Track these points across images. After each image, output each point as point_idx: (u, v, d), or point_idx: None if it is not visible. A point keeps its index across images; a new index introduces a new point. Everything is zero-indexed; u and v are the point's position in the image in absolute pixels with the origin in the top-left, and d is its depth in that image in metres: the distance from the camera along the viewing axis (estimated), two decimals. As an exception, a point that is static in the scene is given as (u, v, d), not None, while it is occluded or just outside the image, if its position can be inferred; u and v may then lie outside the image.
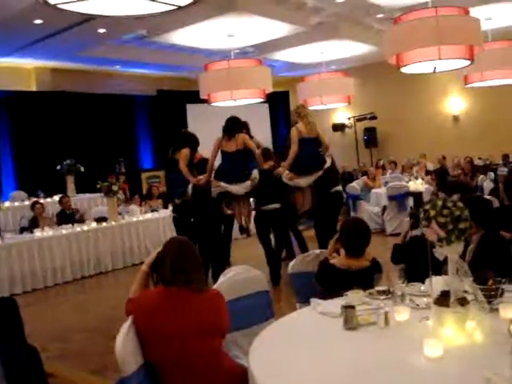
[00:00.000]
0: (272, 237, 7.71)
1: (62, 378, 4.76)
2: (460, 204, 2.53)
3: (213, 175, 7.58)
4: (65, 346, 5.72)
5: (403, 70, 6.46)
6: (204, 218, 7.59)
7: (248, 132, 7.85)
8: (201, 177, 7.60)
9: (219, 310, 2.83)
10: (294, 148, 7.34)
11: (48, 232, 8.89)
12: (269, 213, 7.41)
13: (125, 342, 2.54)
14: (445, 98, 15.89)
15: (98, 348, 5.52)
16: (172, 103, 15.63)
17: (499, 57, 8.52)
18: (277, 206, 7.43)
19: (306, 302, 3.44)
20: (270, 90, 8.46)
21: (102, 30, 10.65)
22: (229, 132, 7.38)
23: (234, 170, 7.38)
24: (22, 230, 9.52)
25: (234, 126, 7.46)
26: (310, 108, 11.29)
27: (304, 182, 7.42)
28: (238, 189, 7.42)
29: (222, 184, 7.39)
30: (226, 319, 2.86)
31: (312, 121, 7.48)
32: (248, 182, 7.42)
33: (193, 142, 7.94)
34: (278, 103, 17.60)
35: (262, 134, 16.79)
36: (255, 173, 7.50)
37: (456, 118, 15.79)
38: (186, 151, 7.65)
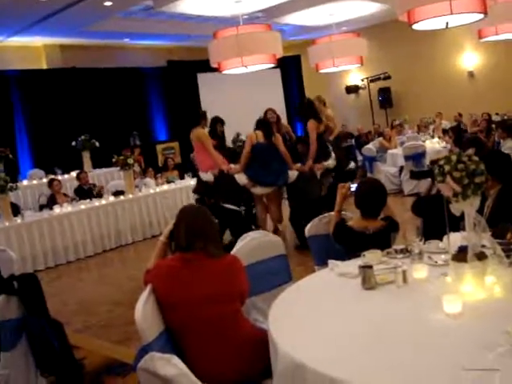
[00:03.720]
0: None
1: (87, 349, 4.85)
2: (475, 158, 2.49)
3: None
4: (89, 319, 5.82)
5: (415, 26, 6.30)
6: (312, 199, 7.39)
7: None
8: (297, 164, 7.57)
9: (237, 274, 2.84)
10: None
11: (67, 208, 8.97)
12: None
13: (144, 311, 2.57)
14: (459, 53, 15.62)
15: (121, 319, 5.61)
16: (183, 73, 15.54)
17: (514, 9, 8.30)
18: None
19: (323, 264, 3.45)
20: (280, 54, 8.35)
21: (108, 3, 10.55)
22: (318, 115, 7.71)
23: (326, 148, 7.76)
24: (41, 207, 9.61)
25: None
26: (322, 71, 11.18)
27: None
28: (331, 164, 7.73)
29: (324, 163, 7.58)
30: (245, 283, 2.87)
31: None
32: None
33: None
34: (290, 68, 17.44)
35: (275, 99, 16.76)
36: None
37: (471, 74, 15.52)
38: (279, 135, 7.49)
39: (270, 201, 7.55)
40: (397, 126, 13.92)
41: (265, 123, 7.42)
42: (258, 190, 7.33)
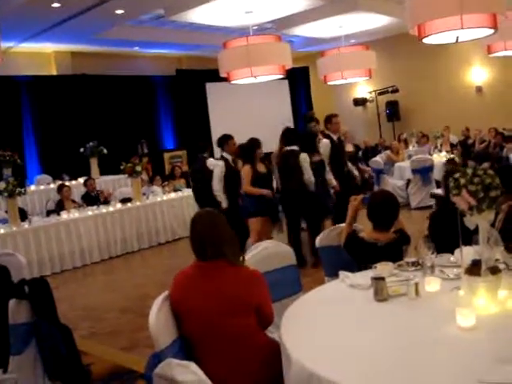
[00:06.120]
0: None
1: (94, 355, 4.85)
2: (491, 172, 2.50)
3: None
4: (95, 325, 5.82)
5: (425, 40, 6.32)
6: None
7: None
8: None
9: (256, 286, 2.77)
10: None
11: (74, 214, 9.00)
12: None
13: (158, 318, 2.57)
14: (467, 68, 15.61)
15: (128, 326, 5.62)
16: (191, 82, 15.59)
17: (524, 25, 8.32)
18: None
19: (334, 275, 3.46)
20: (290, 65, 8.39)
21: (119, 11, 10.62)
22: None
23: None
24: (49, 212, 9.63)
25: None
26: (331, 83, 11.20)
27: None
28: None
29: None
30: (264, 298, 2.80)
31: None
32: None
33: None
34: (298, 79, 17.46)
35: (282, 110, 16.80)
36: None
37: (479, 89, 15.51)
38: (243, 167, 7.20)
39: (263, 230, 7.12)
40: (403, 140, 13.97)
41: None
42: None
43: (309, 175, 7.08)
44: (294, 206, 7.23)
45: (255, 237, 6.81)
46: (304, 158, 7.11)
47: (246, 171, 6.92)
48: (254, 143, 7.09)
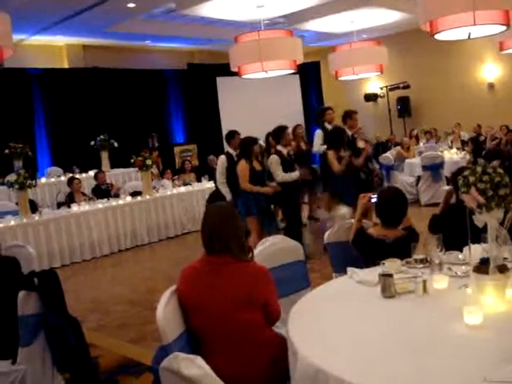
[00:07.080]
0: None
1: (102, 347, 4.88)
2: (500, 170, 2.49)
3: None
4: (104, 318, 5.86)
5: (437, 36, 6.29)
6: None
7: None
8: None
9: (263, 283, 2.76)
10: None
11: (85, 207, 9.05)
12: None
13: (165, 311, 2.58)
14: (479, 65, 15.51)
15: (137, 318, 5.64)
16: (202, 77, 15.59)
17: (537, 21, 8.25)
18: None
19: (342, 271, 3.45)
20: (301, 60, 8.36)
21: (131, 5, 10.63)
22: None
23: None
24: (59, 205, 9.68)
25: None
26: (342, 78, 11.16)
27: None
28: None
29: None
30: (270, 295, 2.79)
31: None
32: None
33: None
34: (309, 74, 17.41)
35: (293, 105, 16.77)
36: None
37: (491, 86, 15.41)
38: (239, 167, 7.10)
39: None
40: (415, 136, 13.91)
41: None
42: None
43: (276, 175, 7.09)
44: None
45: (254, 236, 6.67)
46: (271, 160, 7.20)
47: (242, 167, 6.82)
48: (250, 140, 7.07)
